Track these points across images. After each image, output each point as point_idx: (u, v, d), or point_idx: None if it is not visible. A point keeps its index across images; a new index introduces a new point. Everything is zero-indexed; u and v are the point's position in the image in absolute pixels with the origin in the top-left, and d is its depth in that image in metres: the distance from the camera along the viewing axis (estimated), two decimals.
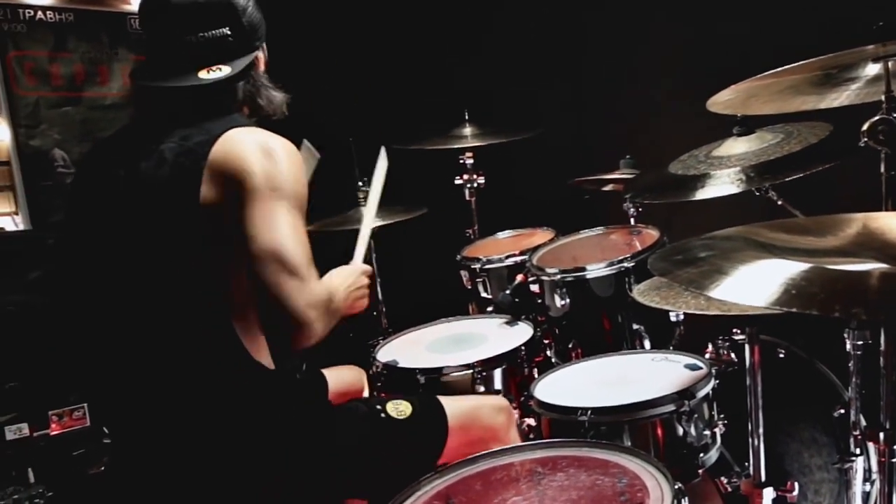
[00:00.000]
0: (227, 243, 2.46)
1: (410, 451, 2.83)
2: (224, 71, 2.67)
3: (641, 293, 3.38)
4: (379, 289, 5.35)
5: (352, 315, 2.85)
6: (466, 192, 5.49)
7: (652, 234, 4.22)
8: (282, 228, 2.43)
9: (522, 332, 3.99)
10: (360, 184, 5.06)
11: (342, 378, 3.66)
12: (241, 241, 2.42)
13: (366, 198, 5.04)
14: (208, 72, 2.66)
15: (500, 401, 3.31)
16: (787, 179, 3.00)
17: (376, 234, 5.09)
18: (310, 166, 3.29)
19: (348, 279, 2.87)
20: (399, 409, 2.92)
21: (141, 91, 2.83)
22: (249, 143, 2.50)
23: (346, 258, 3.12)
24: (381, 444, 2.84)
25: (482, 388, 3.58)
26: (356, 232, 3.34)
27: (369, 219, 3.44)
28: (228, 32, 2.67)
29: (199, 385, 2.56)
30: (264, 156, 2.48)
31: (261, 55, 2.82)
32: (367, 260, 3.21)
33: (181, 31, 2.66)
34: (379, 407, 2.92)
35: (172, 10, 2.65)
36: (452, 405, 3.04)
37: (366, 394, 3.84)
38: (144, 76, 2.80)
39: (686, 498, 2.28)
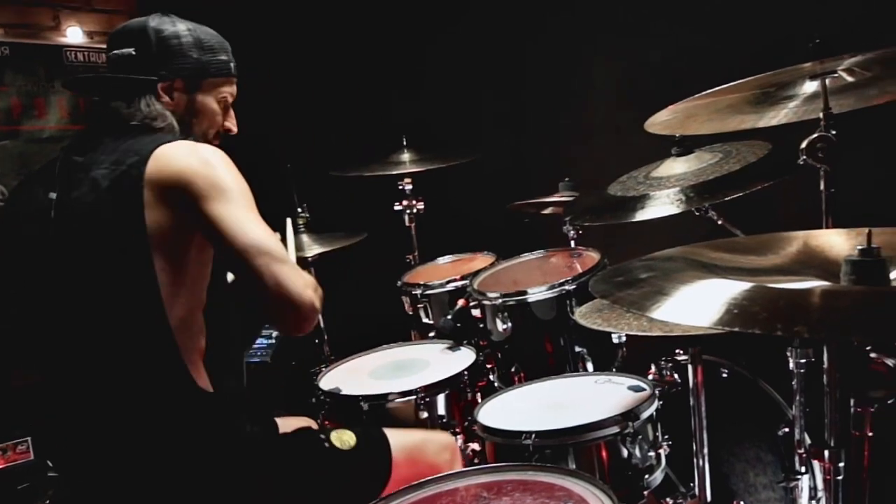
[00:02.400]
0: (171, 265, 2.45)
1: (353, 483, 2.83)
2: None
3: (583, 316, 3.38)
4: (320, 316, 5.32)
5: None
6: (406, 217, 5.48)
7: (592, 256, 4.23)
8: (254, 223, 2.47)
9: (465, 357, 3.98)
10: (300, 210, 5.05)
11: (292, 427, 3.65)
12: (213, 245, 2.52)
13: (305, 224, 5.03)
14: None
15: (447, 438, 3.32)
16: (726, 199, 3.00)
17: (316, 261, 5.07)
18: (290, 242, 3.31)
19: None
20: (343, 438, 2.91)
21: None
22: (182, 154, 2.51)
23: None
24: (324, 474, 2.84)
25: (426, 414, 3.56)
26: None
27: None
28: (133, 52, 2.74)
29: (142, 410, 2.55)
30: (201, 164, 2.49)
31: (178, 92, 2.80)
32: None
33: (107, 51, 2.82)
34: (323, 436, 2.92)
35: (110, 34, 2.83)
36: (398, 438, 3.05)
37: None
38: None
39: None
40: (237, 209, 2.46)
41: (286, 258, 2.47)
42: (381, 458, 2.96)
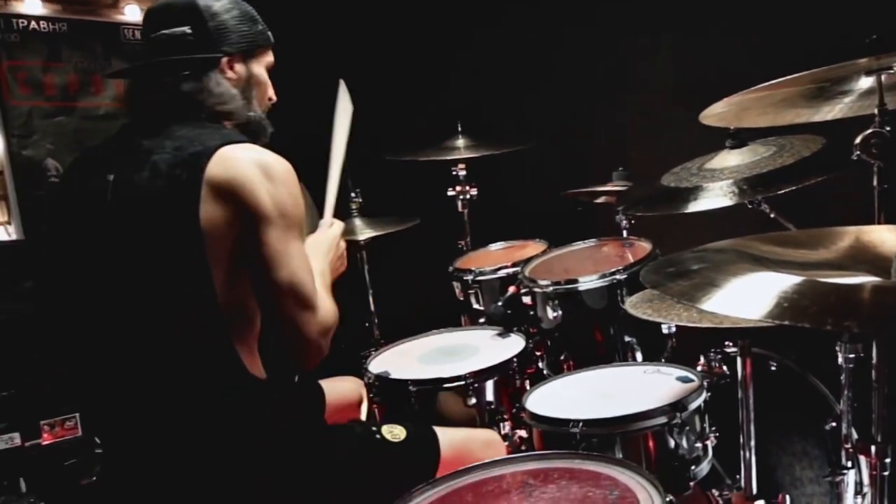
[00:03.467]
0: (224, 256, 2.46)
1: (401, 475, 2.83)
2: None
3: (634, 305, 3.38)
4: (371, 300, 5.35)
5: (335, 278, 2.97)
6: (459, 203, 5.47)
7: (644, 246, 4.22)
8: (295, 260, 2.51)
9: (514, 344, 3.97)
10: (353, 194, 5.07)
11: (340, 389, 3.67)
12: (251, 268, 2.51)
13: (359, 208, 5.03)
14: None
15: (492, 435, 3.36)
16: (779, 192, 2.99)
17: (369, 244, 5.10)
18: (347, 113, 3.25)
19: (328, 255, 2.97)
20: (394, 432, 2.95)
21: (128, 98, 2.89)
22: (249, 163, 2.49)
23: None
24: (373, 464, 2.87)
25: (474, 400, 3.57)
26: (349, 242, 3.30)
27: (336, 169, 3.30)
28: (189, 31, 2.71)
29: (194, 396, 2.55)
30: (267, 179, 2.49)
31: (239, 66, 2.80)
32: (351, 255, 3.16)
33: (149, 31, 2.75)
34: (374, 428, 2.95)
35: (148, 13, 2.79)
36: (445, 436, 3.07)
37: (364, 405, 3.85)
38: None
39: None
40: (286, 238, 2.50)
41: (310, 301, 2.52)
42: (429, 453, 2.99)
